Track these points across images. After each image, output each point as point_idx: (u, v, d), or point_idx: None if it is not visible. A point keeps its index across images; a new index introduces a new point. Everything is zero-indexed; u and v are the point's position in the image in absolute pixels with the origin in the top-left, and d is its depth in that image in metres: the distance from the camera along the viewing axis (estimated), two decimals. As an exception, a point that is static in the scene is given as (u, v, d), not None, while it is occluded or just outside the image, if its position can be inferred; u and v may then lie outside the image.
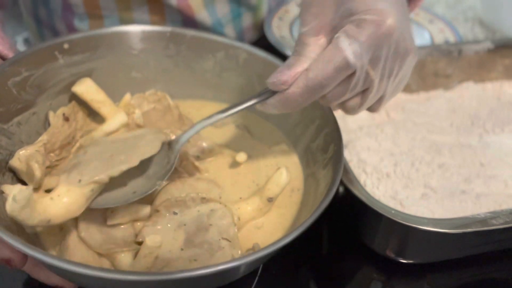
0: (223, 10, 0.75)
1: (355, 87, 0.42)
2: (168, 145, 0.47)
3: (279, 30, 0.82)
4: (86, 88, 0.51)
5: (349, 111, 0.45)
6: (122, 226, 0.43)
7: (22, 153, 0.44)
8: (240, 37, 0.80)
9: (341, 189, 0.49)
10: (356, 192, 0.48)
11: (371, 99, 0.44)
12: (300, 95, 0.42)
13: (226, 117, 0.46)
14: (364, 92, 0.43)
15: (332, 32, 0.42)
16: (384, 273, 0.53)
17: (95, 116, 0.53)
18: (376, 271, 0.53)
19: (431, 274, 0.53)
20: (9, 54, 0.49)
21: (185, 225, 0.44)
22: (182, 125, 0.54)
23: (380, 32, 0.39)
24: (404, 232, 0.48)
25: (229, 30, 0.78)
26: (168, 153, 0.46)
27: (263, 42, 0.80)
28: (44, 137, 0.47)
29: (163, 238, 0.42)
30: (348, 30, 0.40)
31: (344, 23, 0.40)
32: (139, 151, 0.43)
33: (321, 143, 0.50)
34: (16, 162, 0.44)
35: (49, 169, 0.47)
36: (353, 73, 0.41)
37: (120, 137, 0.47)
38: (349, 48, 0.39)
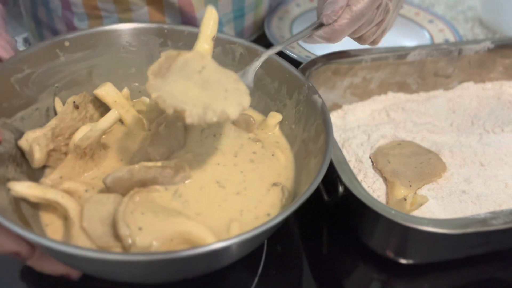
0: (225, 8, 0.75)
1: (379, 16, 0.55)
2: (243, 74, 0.53)
3: (279, 30, 0.82)
4: (107, 91, 0.54)
5: (366, 40, 0.58)
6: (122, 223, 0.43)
7: (30, 134, 0.48)
8: (240, 36, 0.80)
9: (341, 189, 0.49)
10: (356, 192, 0.48)
11: (382, 28, 0.57)
12: (346, 25, 0.52)
13: (282, 48, 0.55)
14: (379, 23, 0.56)
15: None
16: (384, 273, 0.53)
17: (105, 109, 0.55)
18: (376, 271, 0.53)
19: (431, 274, 0.53)
20: (5, 55, 0.49)
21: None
22: None
23: None
24: (404, 232, 0.48)
25: (229, 29, 0.78)
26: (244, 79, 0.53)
27: (262, 41, 0.80)
28: (53, 122, 0.50)
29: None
30: None
31: None
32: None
33: (313, 134, 0.51)
34: (23, 142, 0.48)
35: (54, 151, 0.49)
36: (379, 5, 0.53)
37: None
38: None
